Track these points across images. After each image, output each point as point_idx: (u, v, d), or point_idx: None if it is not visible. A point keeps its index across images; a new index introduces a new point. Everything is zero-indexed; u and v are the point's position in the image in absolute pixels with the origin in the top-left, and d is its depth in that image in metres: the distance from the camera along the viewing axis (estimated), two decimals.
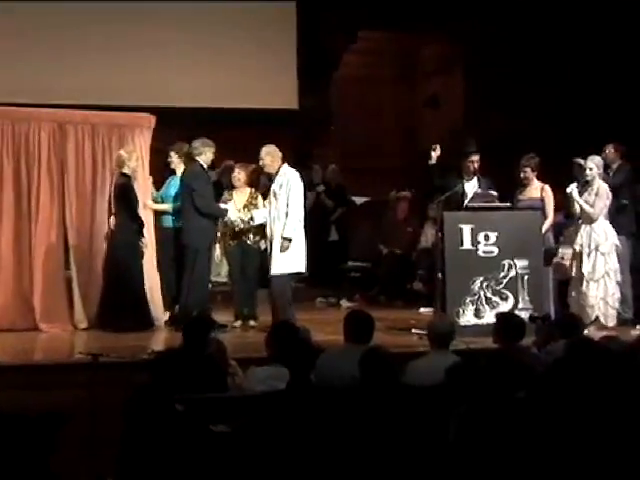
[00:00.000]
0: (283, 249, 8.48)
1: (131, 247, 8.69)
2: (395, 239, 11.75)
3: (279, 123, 11.97)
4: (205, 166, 8.85)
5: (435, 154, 8.75)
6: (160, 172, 9.51)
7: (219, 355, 5.67)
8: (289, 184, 8.57)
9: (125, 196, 8.69)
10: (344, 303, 11.15)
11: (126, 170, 8.74)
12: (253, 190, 9.27)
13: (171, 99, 11.82)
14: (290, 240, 8.46)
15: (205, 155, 8.79)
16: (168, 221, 9.17)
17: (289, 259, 8.51)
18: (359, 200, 12.66)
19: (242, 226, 9.01)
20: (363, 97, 14.10)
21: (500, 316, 6.30)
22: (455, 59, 13.64)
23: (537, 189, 9.01)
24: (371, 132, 14.08)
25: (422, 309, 10.28)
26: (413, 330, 8.38)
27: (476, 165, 8.91)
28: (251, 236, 9.04)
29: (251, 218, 8.95)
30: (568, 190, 8.94)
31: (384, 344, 5.70)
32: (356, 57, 13.57)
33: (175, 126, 10.60)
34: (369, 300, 11.33)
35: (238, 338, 8.37)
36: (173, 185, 9.23)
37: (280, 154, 8.73)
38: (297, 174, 8.70)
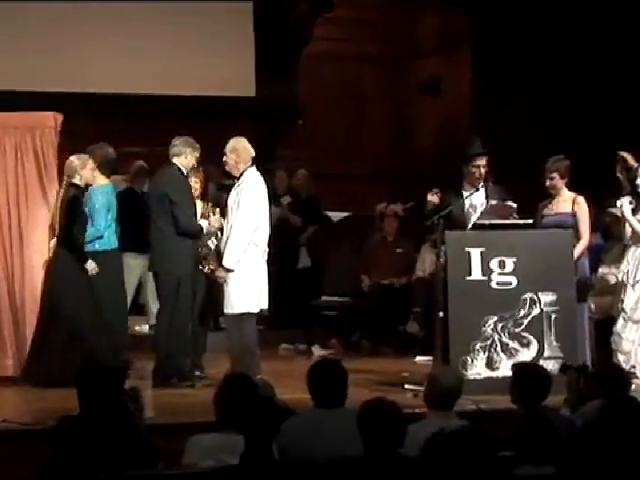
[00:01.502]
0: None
1: (76, 277, 8.83)
2: (383, 266, 11.76)
3: (231, 115, 11.98)
4: (184, 171, 8.98)
5: (433, 200, 8.78)
6: None
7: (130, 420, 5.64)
8: (239, 196, 8.58)
9: (75, 212, 8.83)
10: (316, 350, 11.16)
11: (77, 180, 8.90)
12: (209, 205, 9.28)
13: (89, 84, 11.87)
14: (229, 270, 8.52)
15: (185, 158, 8.97)
16: (97, 244, 9.14)
17: (242, 295, 8.51)
18: (336, 216, 12.68)
19: (209, 250, 9.04)
20: (341, 81, 14.14)
21: (519, 367, 6.31)
22: (460, 34, 13.73)
23: (567, 201, 9.04)
24: (351, 127, 14.13)
25: (418, 358, 10.32)
26: (406, 385, 8.38)
27: (483, 170, 8.87)
28: (211, 265, 8.98)
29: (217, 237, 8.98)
30: (618, 204, 8.98)
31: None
32: (332, 29, 13.62)
33: (102, 116, 10.61)
34: (349, 346, 11.35)
35: (176, 397, 8.33)
36: (88, 200, 9.22)
37: (250, 153, 8.74)
38: (255, 183, 8.67)
